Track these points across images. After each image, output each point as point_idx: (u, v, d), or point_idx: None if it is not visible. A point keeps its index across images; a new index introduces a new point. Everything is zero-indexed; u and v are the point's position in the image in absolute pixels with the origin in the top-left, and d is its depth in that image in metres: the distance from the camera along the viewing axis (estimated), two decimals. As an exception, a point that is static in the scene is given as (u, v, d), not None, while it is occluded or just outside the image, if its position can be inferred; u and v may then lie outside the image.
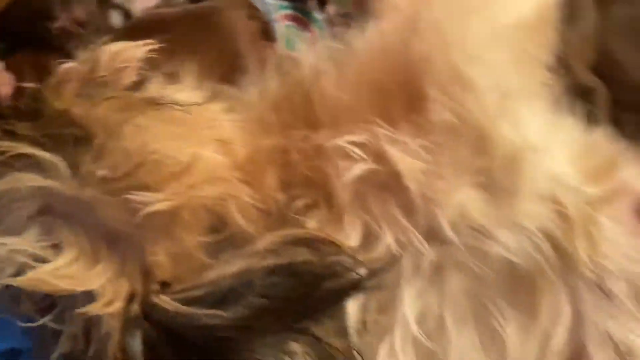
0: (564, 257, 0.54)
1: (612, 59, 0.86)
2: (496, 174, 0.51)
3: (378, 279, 0.47)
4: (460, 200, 0.51)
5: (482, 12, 0.53)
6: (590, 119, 0.74)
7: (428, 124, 0.52)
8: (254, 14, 0.81)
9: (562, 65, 0.77)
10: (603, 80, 0.83)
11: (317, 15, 0.85)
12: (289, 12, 0.85)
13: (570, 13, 0.79)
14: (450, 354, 0.54)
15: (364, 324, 0.51)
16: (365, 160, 0.52)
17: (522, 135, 0.52)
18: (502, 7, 0.53)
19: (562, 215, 0.53)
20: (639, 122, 0.79)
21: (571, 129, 0.59)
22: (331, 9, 0.84)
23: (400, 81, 0.54)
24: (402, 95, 0.54)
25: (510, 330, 0.55)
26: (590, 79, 0.81)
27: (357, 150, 0.52)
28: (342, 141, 0.52)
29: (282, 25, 0.83)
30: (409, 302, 0.51)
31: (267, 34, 0.81)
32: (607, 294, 0.56)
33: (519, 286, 0.54)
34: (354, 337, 0.50)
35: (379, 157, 0.52)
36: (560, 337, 0.55)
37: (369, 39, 0.60)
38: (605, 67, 0.85)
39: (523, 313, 0.55)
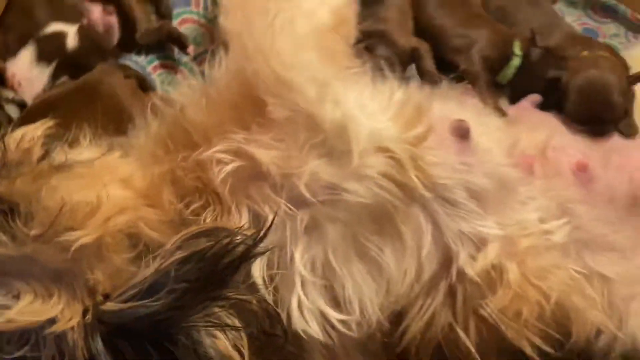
0: (405, 189, 0.69)
1: (432, 25, 1.03)
2: (331, 143, 0.67)
3: (263, 245, 0.61)
4: (311, 169, 0.66)
5: (285, 28, 0.68)
6: (410, 76, 0.91)
7: (271, 121, 0.68)
8: (129, 73, 0.95)
9: (385, 40, 0.95)
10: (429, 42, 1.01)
11: (183, 58, 1.00)
12: (157, 62, 1.00)
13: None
14: (348, 288, 0.68)
15: (270, 278, 0.65)
16: (233, 160, 0.67)
17: (342, 110, 0.67)
18: (299, 21, 0.69)
19: (394, 159, 0.68)
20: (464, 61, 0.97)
21: (388, 91, 0.75)
22: (191, 50, 0.99)
23: (245, 96, 0.70)
24: (249, 106, 0.69)
25: (387, 256, 0.69)
26: (414, 41, 0.98)
27: (225, 155, 0.67)
28: (212, 152, 0.67)
29: (155, 75, 0.98)
30: (299, 257, 0.66)
31: (144, 86, 0.95)
32: (452, 203, 0.72)
33: (381, 220, 0.69)
34: (265, 292, 0.65)
35: (243, 155, 0.67)
36: (428, 247, 0.70)
37: (221, 69, 0.75)
38: (428, 32, 1.02)
39: (393, 239, 0.70)
